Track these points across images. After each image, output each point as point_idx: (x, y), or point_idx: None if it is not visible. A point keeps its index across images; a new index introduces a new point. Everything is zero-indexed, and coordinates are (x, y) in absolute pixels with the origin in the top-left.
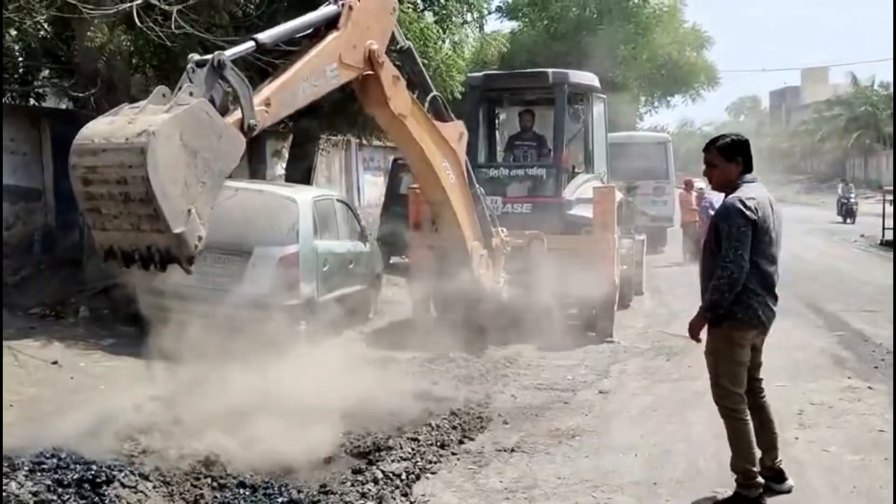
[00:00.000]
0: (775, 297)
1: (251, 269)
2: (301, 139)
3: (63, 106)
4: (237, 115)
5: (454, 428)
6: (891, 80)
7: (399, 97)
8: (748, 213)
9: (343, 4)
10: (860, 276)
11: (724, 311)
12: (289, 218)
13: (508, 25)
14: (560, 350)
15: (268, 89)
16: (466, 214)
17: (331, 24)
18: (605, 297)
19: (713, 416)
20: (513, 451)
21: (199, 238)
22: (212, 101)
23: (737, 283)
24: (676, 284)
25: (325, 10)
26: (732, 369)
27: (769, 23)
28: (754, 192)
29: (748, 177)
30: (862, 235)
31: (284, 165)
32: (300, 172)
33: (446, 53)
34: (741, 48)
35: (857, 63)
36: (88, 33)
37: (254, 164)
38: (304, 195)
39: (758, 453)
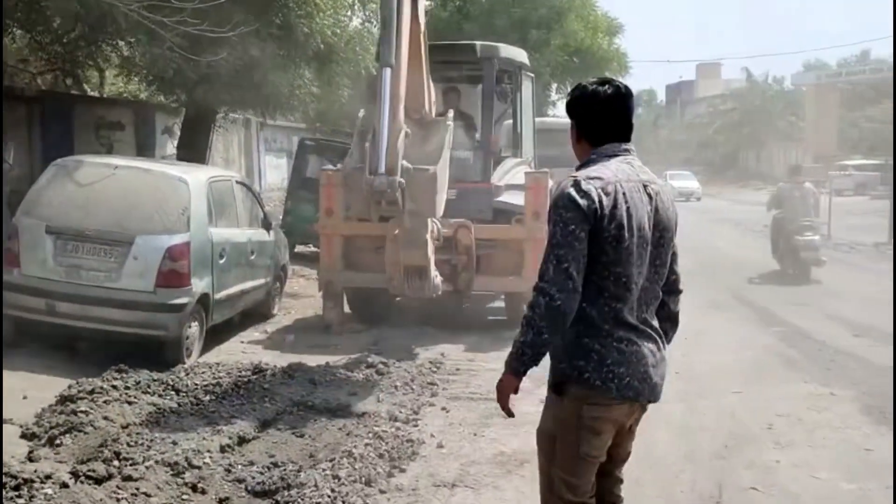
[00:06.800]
0: (644, 338)
1: (132, 262)
2: (195, 115)
3: None
4: None
5: (380, 456)
6: (783, 74)
7: None
8: (582, 200)
9: None
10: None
11: (571, 372)
12: (178, 201)
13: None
14: (489, 351)
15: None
16: None
17: None
18: None
19: (679, 430)
20: (454, 486)
21: None
22: None
23: (560, 314)
24: None
25: None
26: (573, 466)
27: (668, 19)
28: (603, 172)
29: (608, 149)
30: (765, 225)
31: (176, 144)
32: (194, 152)
33: (356, 27)
34: (641, 41)
35: (752, 57)
36: None
37: (140, 141)
38: (196, 175)
39: None
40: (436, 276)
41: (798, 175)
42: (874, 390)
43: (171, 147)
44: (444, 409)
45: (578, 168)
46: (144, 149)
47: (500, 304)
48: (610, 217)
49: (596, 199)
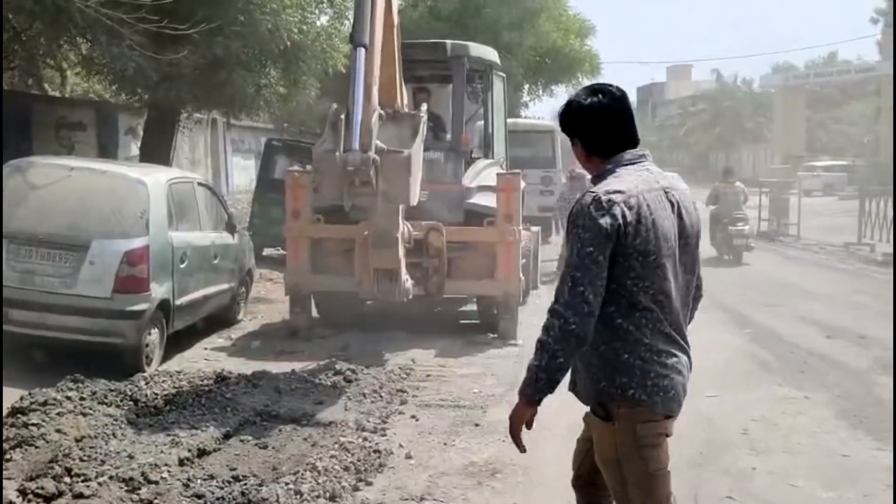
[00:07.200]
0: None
1: (88, 267)
2: (158, 115)
3: None
4: None
5: (346, 469)
6: (752, 76)
7: None
8: (603, 219)
9: None
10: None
11: (613, 391)
12: (137, 204)
13: None
14: (461, 356)
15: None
16: None
17: None
18: (509, 296)
19: None
20: (422, 499)
21: None
22: None
23: (574, 337)
24: None
25: None
26: (648, 485)
27: (640, 21)
28: (624, 184)
29: (622, 157)
30: None
31: (139, 144)
32: (158, 153)
33: (323, 24)
34: (613, 42)
35: (722, 59)
36: None
37: (103, 142)
38: (156, 177)
39: None
40: (406, 280)
41: (731, 176)
42: (848, 394)
43: (134, 148)
44: (413, 417)
45: (594, 181)
46: (107, 150)
47: (472, 307)
48: (634, 233)
49: (619, 215)
